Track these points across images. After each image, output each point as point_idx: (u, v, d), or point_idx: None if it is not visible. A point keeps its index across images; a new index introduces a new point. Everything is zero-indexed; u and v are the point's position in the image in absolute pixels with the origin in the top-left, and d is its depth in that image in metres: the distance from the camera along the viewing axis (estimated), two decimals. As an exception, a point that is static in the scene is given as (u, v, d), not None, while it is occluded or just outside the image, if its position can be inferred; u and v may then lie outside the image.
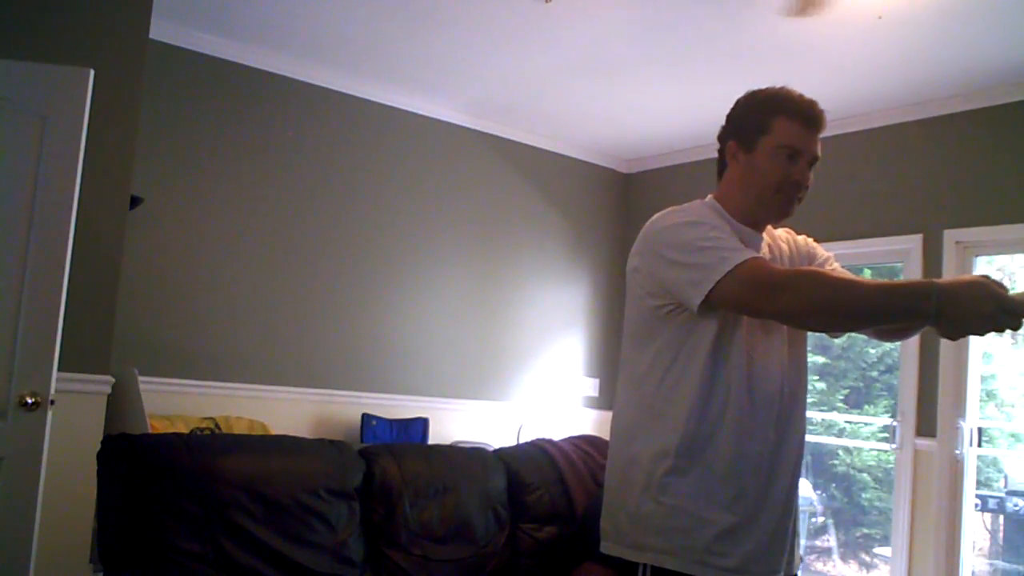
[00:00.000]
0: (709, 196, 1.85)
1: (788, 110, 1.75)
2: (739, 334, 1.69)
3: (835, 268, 1.88)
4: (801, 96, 1.78)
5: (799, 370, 1.79)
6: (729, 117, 1.84)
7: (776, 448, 1.71)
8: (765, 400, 1.70)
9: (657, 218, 1.77)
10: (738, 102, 1.84)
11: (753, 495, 1.68)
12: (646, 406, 1.73)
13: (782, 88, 1.81)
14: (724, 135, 1.83)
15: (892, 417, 4.68)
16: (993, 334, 1.51)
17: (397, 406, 4.93)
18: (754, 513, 1.68)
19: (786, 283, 1.60)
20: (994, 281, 1.47)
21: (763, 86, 1.84)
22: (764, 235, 1.85)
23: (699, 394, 1.67)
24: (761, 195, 1.76)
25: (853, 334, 1.99)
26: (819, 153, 1.78)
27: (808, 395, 1.84)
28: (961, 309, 1.45)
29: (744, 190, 1.78)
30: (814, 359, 5.23)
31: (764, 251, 1.82)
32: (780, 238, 1.92)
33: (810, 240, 1.96)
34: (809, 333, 1.86)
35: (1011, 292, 1.46)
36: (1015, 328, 1.46)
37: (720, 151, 1.84)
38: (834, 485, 5.20)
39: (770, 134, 1.74)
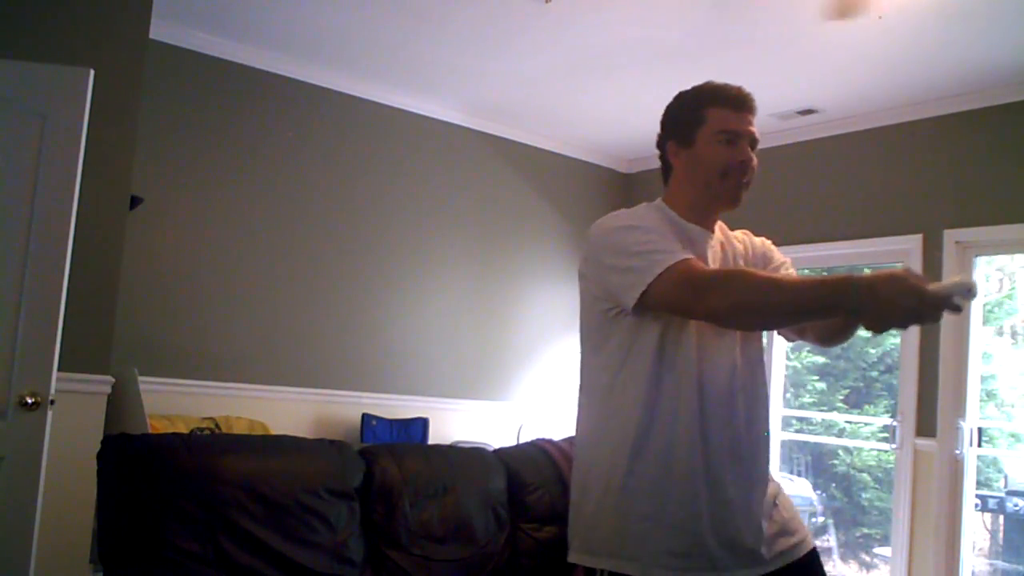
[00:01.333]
0: (658, 199, 1.87)
1: (716, 99, 1.79)
2: (687, 335, 1.70)
3: (788, 274, 1.87)
4: (726, 85, 1.82)
5: (754, 370, 1.79)
6: (662, 122, 1.89)
7: (734, 446, 1.71)
8: (717, 400, 1.70)
9: (598, 223, 1.80)
10: (668, 106, 1.89)
11: (710, 495, 1.68)
12: (600, 410, 1.75)
13: (706, 82, 1.85)
14: (662, 140, 1.88)
15: (892, 417, 4.68)
16: (916, 325, 1.50)
17: (397, 406, 4.93)
18: (710, 512, 1.67)
19: (712, 283, 1.62)
20: (913, 274, 1.48)
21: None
22: (718, 232, 1.86)
23: (646, 396, 1.69)
24: (709, 183, 1.78)
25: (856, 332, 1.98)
26: (757, 135, 1.80)
27: (769, 395, 1.85)
28: (882, 302, 1.46)
29: (691, 183, 1.81)
30: (814, 359, 5.22)
31: (716, 249, 1.83)
32: (736, 238, 1.93)
33: (768, 242, 1.97)
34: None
35: (931, 285, 1.47)
36: (935, 321, 1.48)
37: (661, 157, 1.88)
38: (834, 485, 5.20)
39: (705, 124, 1.78)
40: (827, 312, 1.60)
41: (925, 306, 1.44)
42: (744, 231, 1.97)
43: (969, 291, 1.46)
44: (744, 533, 1.70)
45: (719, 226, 1.89)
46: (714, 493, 1.68)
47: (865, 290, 1.46)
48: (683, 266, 1.63)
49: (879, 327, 1.52)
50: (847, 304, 1.49)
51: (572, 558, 1.78)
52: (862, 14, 3.53)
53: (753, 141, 1.79)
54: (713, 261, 1.80)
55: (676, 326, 1.70)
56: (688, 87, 1.90)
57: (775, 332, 1.99)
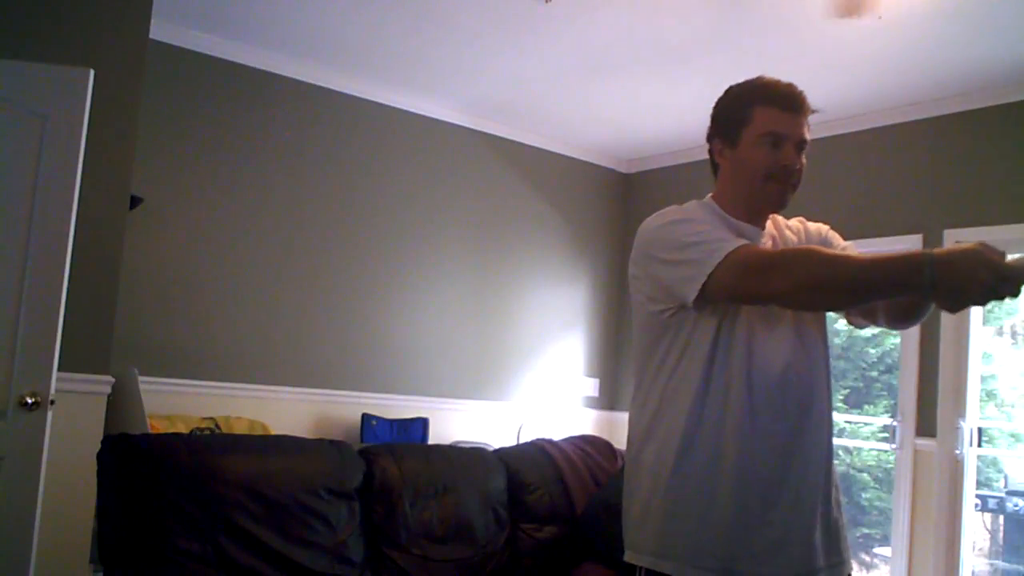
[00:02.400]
0: (707, 196, 1.83)
1: (764, 98, 1.73)
2: (739, 331, 1.66)
3: (854, 252, 1.77)
4: (777, 81, 1.75)
5: (812, 362, 1.72)
6: (712, 117, 1.82)
7: (787, 444, 1.66)
8: (768, 396, 1.65)
9: (647, 221, 1.77)
10: (717, 101, 1.82)
11: (760, 494, 1.63)
12: (653, 410, 1.72)
13: (758, 77, 1.78)
14: (710, 135, 1.82)
15: (892, 417, 4.68)
16: (995, 303, 1.45)
17: (397, 406, 4.93)
18: (760, 513, 1.63)
19: (776, 263, 1.58)
20: (990, 248, 1.41)
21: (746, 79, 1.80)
22: (770, 227, 1.81)
23: (697, 394, 1.65)
24: (752, 186, 1.73)
25: (855, 332, 1.94)
26: (806, 136, 1.74)
27: (830, 388, 1.76)
28: (958, 278, 1.40)
29: (736, 185, 1.76)
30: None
31: (767, 245, 1.78)
32: (790, 227, 1.86)
33: (826, 228, 1.89)
34: (828, 323, 1.79)
35: (1009, 258, 1.40)
36: (1015, 295, 1.41)
37: (710, 152, 1.83)
38: (834, 485, 5.19)
39: (751, 124, 1.72)
40: (898, 289, 1.54)
41: (1003, 281, 1.38)
42: (800, 218, 1.90)
43: None
44: (793, 539, 1.64)
45: (771, 218, 1.83)
46: (766, 491, 1.63)
47: (941, 266, 1.40)
48: (743, 251, 1.59)
49: (955, 306, 1.47)
50: (920, 281, 1.42)
51: (625, 557, 1.75)
52: (869, 12, 3.50)
53: (801, 143, 1.73)
54: None
55: (729, 323, 1.66)
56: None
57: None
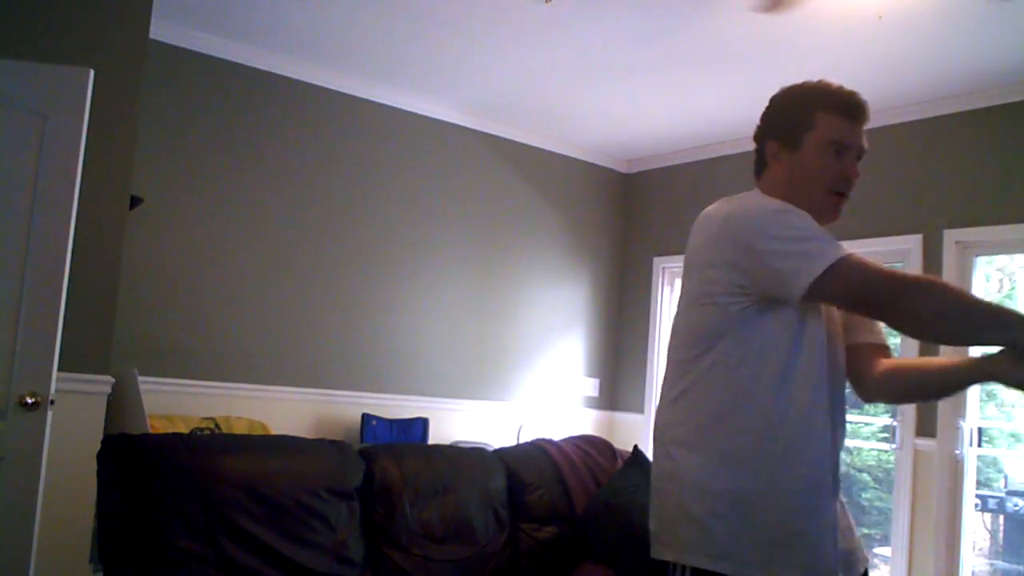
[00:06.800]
0: (754, 190, 1.74)
1: (828, 104, 1.69)
2: (814, 330, 1.59)
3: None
4: (840, 88, 1.71)
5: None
6: (765, 116, 1.76)
7: (834, 442, 1.67)
8: (840, 389, 1.65)
9: (730, 209, 1.63)
10: (774, 99, 1.76)
11: (828, 502, 1.63)
12: (716, 408, 1.61)
13: (820, 81, 1.74)
14: (762, 134, 1.75)
15: (892, 417, 4.68)
16: None
17: (397, 406, 4.93)
18: (826, 520, 1.62)
19: (911, 285, 1.51)
20: None
21: (805, 80, 1.79)
22: None
23: (777, 389, 1.57)
24: (812, 196, 1.67)
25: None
26: (866, 146, 1.70)
27: None
28: None
29: (791, 190, 1.68)
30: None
31: None
32: None
33: None
34: None
35: None
36: None
37: (758, 151, 1.75)
38: (834, 485, 5.18)
39: (814, 130, 1.67)
40: (988, 338, 1.51)
41: None
42: None
43: None
44: (833, 545, 1.65)
45: None
46: (828, 498, 1.64)
47: None
48: (858, 260, 1.52)
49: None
50: (1008, 338, 1.45)
51: (656, 553, 1.66)
52: (791, 9, 3.46)
53: (861, 152, 1.69)
54: None
55: (806, 323, 1.59)
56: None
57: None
